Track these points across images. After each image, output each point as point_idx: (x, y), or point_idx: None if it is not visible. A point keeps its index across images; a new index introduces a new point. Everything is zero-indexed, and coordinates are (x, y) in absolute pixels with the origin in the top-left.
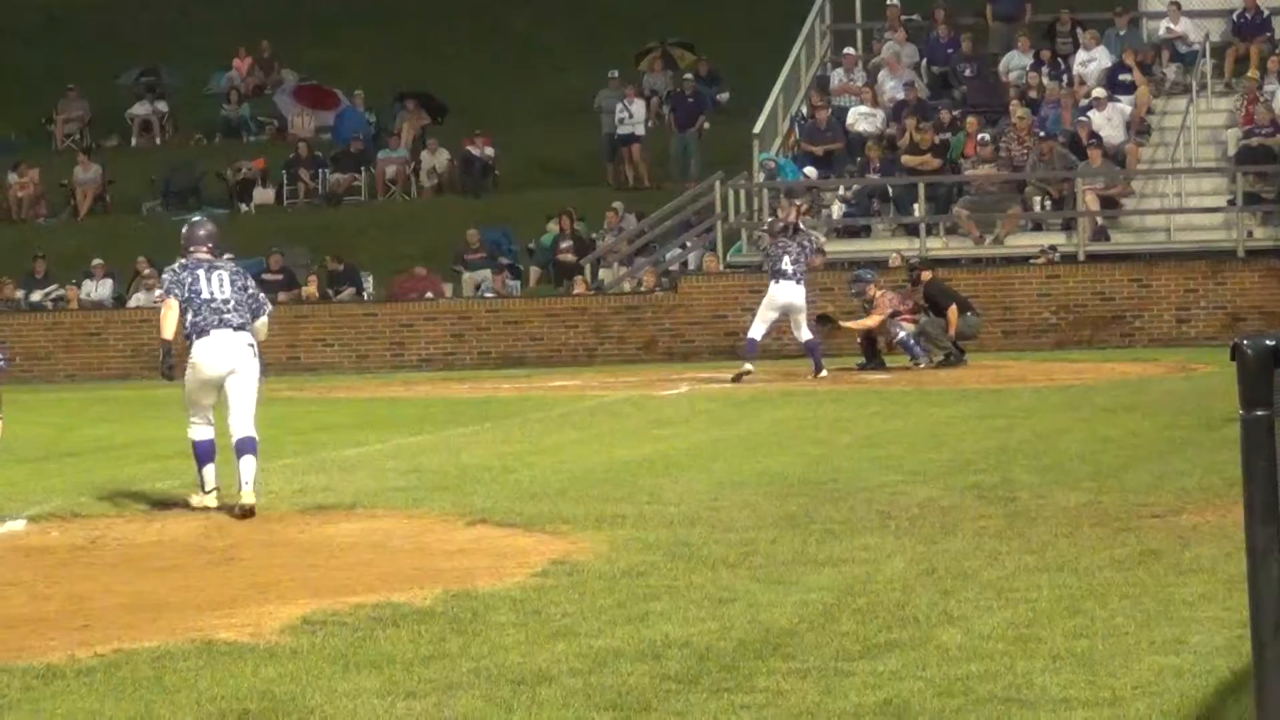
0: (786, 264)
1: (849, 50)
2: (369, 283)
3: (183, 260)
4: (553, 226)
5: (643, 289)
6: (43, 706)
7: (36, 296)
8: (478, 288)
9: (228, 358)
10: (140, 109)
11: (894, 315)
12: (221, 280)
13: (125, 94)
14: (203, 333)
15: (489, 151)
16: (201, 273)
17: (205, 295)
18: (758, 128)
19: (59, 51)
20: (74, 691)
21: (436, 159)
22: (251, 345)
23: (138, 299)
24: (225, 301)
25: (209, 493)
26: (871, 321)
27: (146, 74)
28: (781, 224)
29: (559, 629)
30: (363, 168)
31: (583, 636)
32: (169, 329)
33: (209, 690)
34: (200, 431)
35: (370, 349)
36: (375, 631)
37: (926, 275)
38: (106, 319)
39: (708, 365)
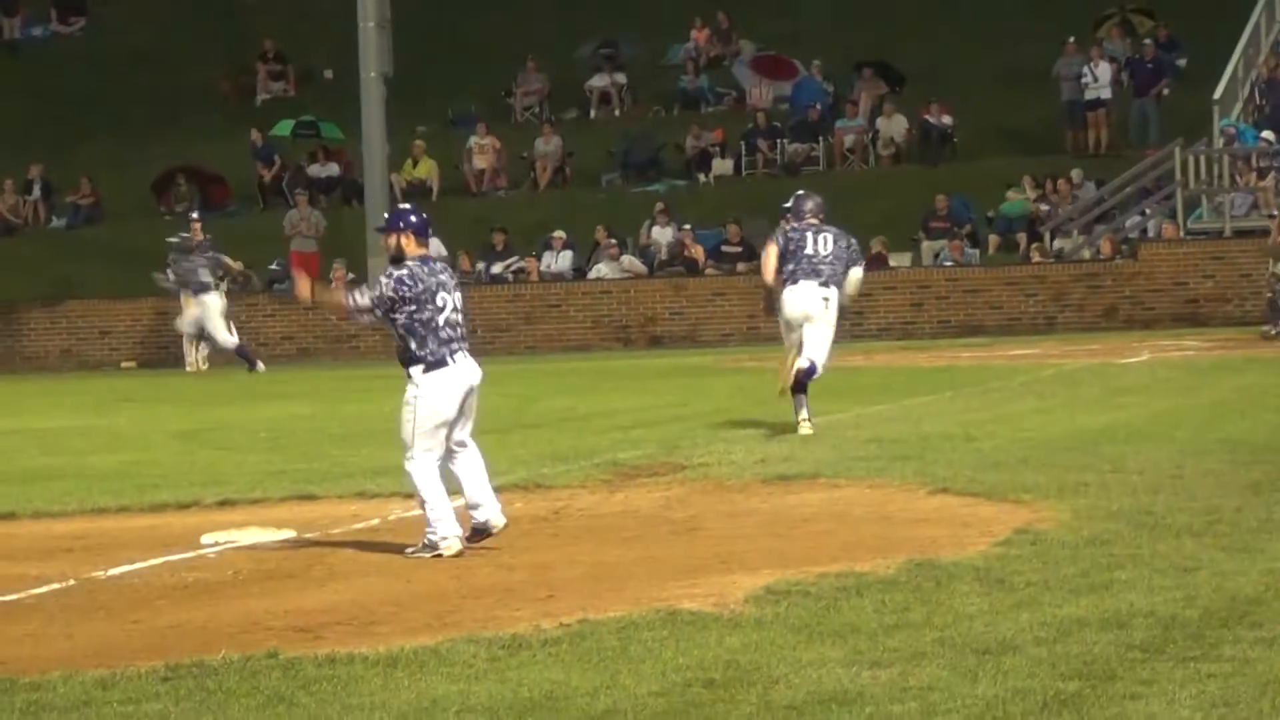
0: None
1: None
2: None
3: (795, 225)
4: (1013, 194)
5: (1102, 256)
6: (509, 676)
7: (497, 269)
8: (936, 256)
9: (806, 305)
10: (599, 81)
11: None
12: (825, 240)
13: (584, 66)
14: (794, 282)
15: (946, 120)
16: (810, 234)
17: (809, 251)
18: (1218, 94)
19: (518, 25)
20: (539, 661)
21: (894, 128)
22: (827, 298)
23: (598, 270)
24: (824, 258)
25: (804, 421)
26: None
27: (605, 46)
28: None
29: (1023, 598)
30: (820, 137)
31: (1047, 605)
32: (768, 273)
33: (673, 660)
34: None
35: None
36: (839, 601)
37: None
38: (567, 290)
39: (1169, 333)
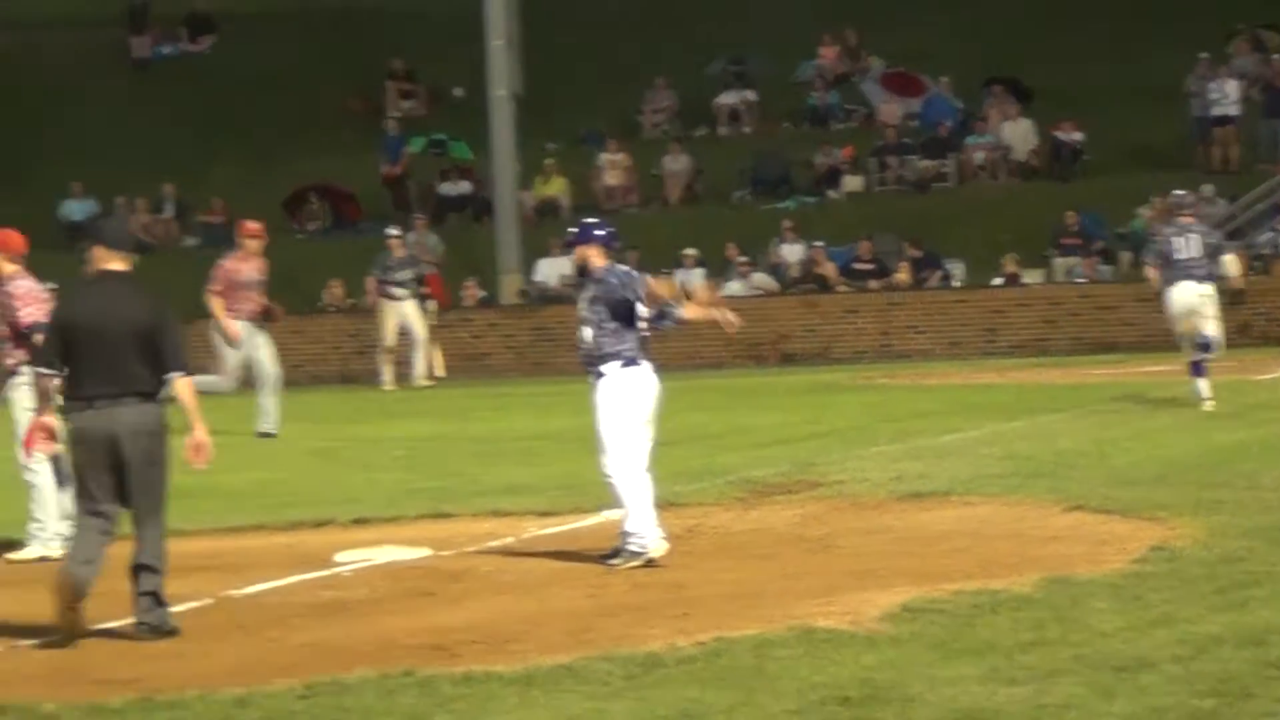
0: None
1: None
2: (959, 269)
3: (1164, 228)
4: (1143, 211)
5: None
6: (645, 694)
7: None
8: (1069, 273)
9: (1188, 302)
10: (728, 98)
11: None
12: (1190, 241)
13: (713, 83)
14: (1174, 284)
15: (1076, 136)
16: (1176, 239)
17: (1179, 257)
18: None
19: (647, 42)
20: (675, 680)
21: (1024, 144)
22: (1204, 294)
23: (729, 287)
24: (1192, 259)
25: (1207, 399)
26: None
27: (734, 63)
28: None
29: (1159, 615)
30: (950, 154)
31: (1183, 623)
32: (1154, 282)
33: (809, 678)
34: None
35: (962, 335)
36: (974, 618)
37: None
38: None
39: None
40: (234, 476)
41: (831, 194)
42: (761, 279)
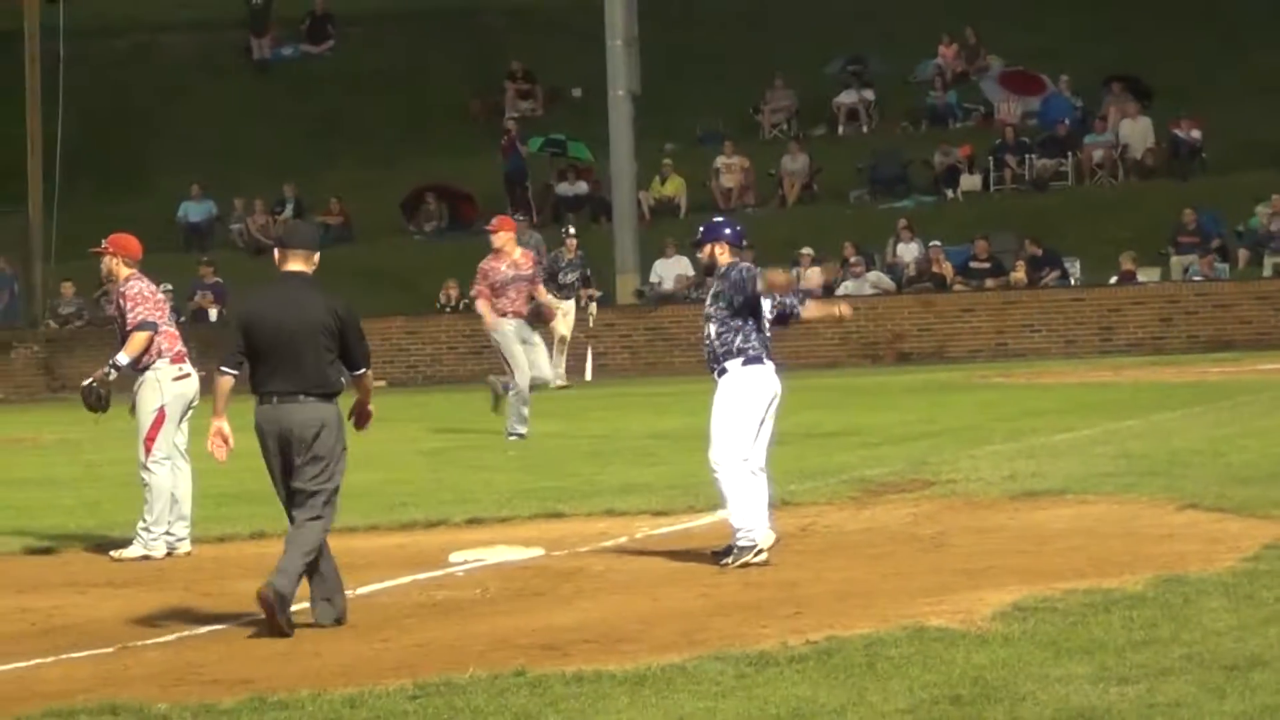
0: None
1: None
2: (1076, 267)
3: None
4: (1261, 210)
5: None
6: (756, 693)
7: None
8: (1185, 271)
9: None
10: (847, 97)
11: None
12: None
13: (832, 83)
14: None
15: (1195, 134)
16: None
17: None
18: None
19: (765, 42)
20: (787, 678)
21: (1143, 143)
22: None
23: (845, 287)
24: None
25: None
26: None
27: (853, 62)
28: None
29: (1272, 614)
30: (1069, 152)
31: None
32: None
33: (920, 677)
34: None
35: (1077, 334)
36: (1086, 617)
37: None
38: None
39: None
40: (349, 477)
41: (949, 193)
42: (878, 278)
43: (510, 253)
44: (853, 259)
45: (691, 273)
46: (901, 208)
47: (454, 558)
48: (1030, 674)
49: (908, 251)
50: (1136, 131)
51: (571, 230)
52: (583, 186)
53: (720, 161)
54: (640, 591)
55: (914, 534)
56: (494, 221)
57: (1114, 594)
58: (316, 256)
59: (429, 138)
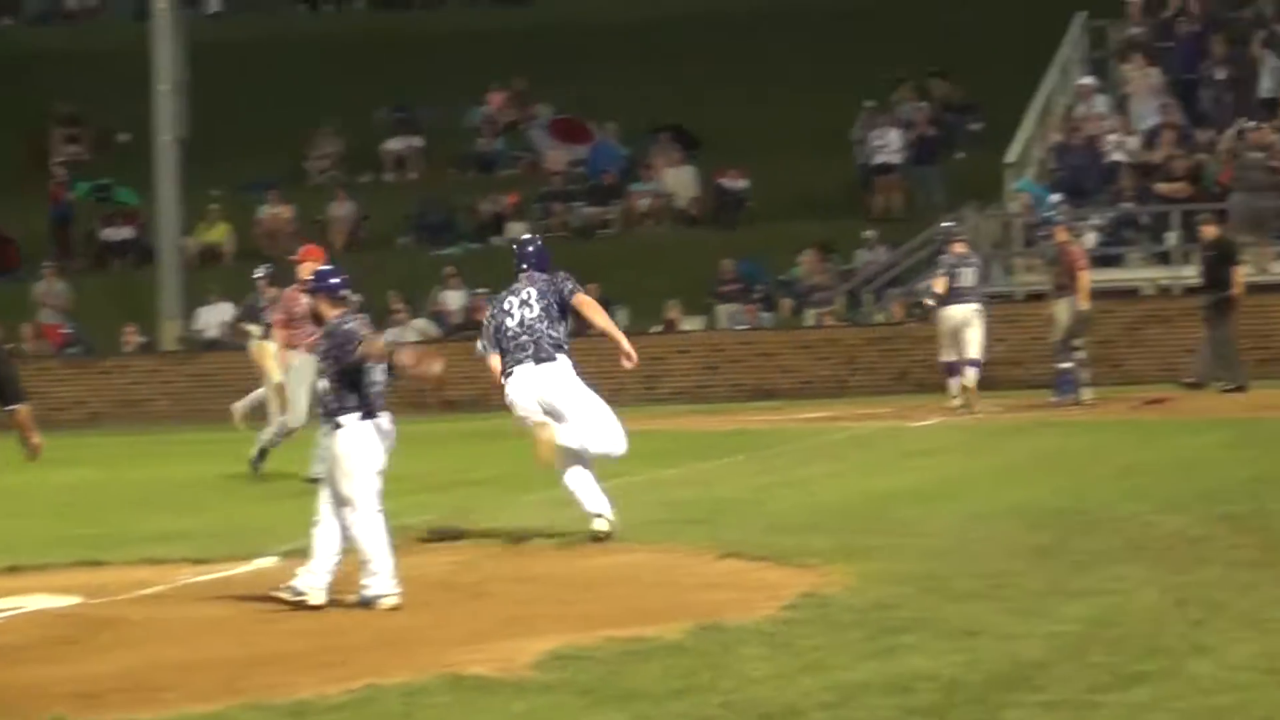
0: None
1: (1087, 80)
2: (621, 316)
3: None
4: (803, 260)
5: (894, 320)
6: None
7: None
8: (730, 319)
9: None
10: (395, 144)
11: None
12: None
13: (380, 129)
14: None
15: (741, 184)
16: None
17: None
18: (1011, 157)
19: (314, 88)
20: None
21: (688, 192)
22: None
23: (389, 334)
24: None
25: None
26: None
27: (401, 109)
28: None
29: (809, 662)
30: (615, 201)
31: (832, 670)
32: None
33: None
34: None
35: (623, 381)
36: (625, 665)
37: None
38: None
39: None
40: None
41: (495, 240)
42: (423, 325)
43: None
44: (397, 307)
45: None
46: (447, 255)
47: None
48: None
49: (454, 299)
50: (681, 180)
51: (261, 272)
52: (128, 232)
53: (265, 210)
54: (180, 640)
55: (454, 582)
56: (301, 251)
57: (653, 642)
58: None
59: None
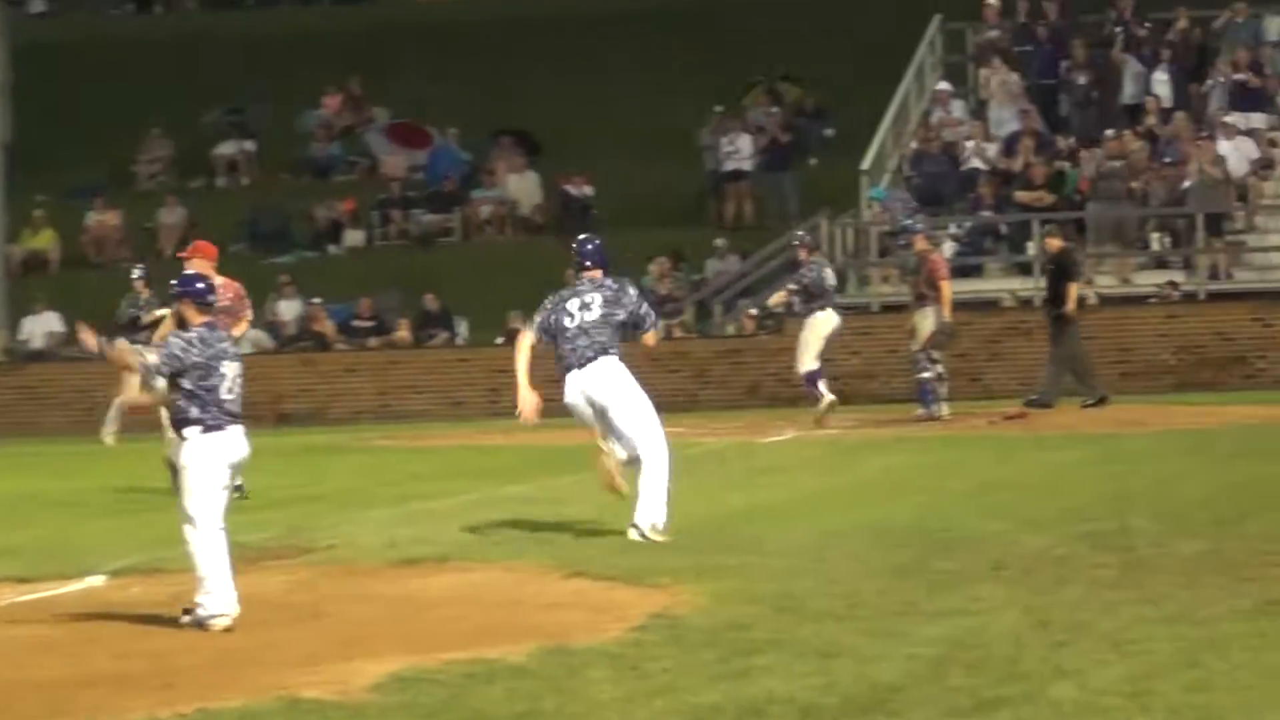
0: None
1: (944, 85)
2: (463, 327)
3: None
4: (653, 268)
5: (745, 332)
6: None
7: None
8: None
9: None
10: (226, 148)
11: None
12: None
13: (211, 133)
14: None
15: (587, 190)
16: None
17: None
18: (866, 164)
19: (143, 90)
20: None
21: (531, 198)
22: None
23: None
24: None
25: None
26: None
27: (233, 112)
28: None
29: (658, 685)
30: (457, 208)
31: (682, 693)
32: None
33: None
34: None
35: (465, 394)
36: (467, 688)
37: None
38: None
39: (814, 411)
40: None
41: (332, 249)
42: (257, 336)
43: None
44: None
45: (60, 329)
46: (282, 263)
47: None
48: None
49: (289, 309)
50: (525, 187)
51: (138, 271)
52: None
53: (92, 216)
54: (4, 661)
55: (289, 602)
56: (189, 248)
57: (496, 664)
58: None
59: None
